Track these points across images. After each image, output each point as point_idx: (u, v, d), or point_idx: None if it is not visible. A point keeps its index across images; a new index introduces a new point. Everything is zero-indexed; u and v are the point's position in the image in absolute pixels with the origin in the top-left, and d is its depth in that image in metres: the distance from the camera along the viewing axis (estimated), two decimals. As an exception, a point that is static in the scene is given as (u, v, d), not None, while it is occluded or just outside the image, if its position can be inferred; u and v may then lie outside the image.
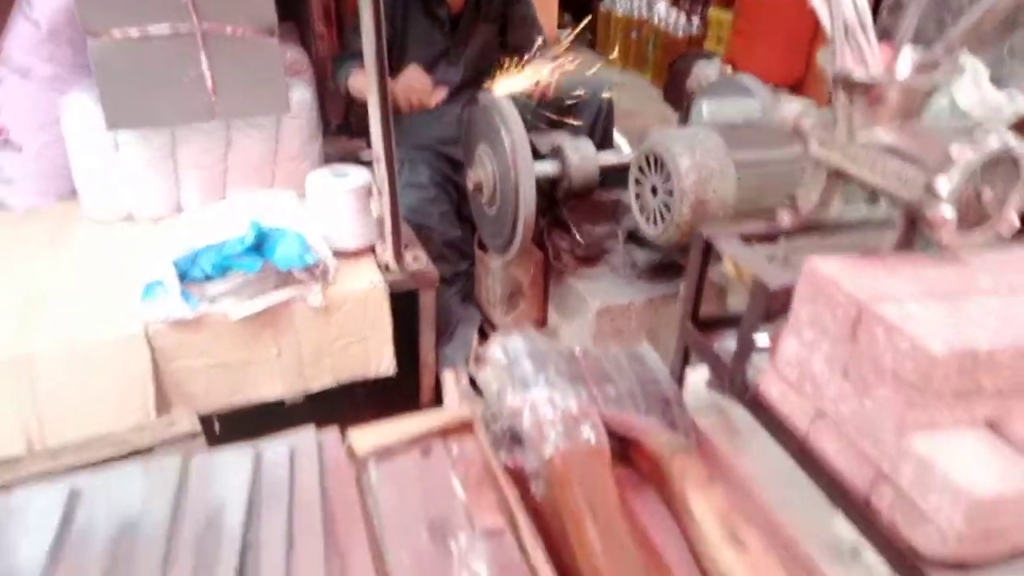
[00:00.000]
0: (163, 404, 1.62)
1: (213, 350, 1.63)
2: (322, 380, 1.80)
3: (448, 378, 2.00)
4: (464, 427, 0.82)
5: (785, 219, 0.80)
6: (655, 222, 1.52)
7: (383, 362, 1.83)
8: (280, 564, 0.64)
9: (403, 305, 1.79)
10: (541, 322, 2.08)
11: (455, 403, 1.97)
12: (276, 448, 0.76)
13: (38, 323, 1.49)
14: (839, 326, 0.64)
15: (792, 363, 0.70)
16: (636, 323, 1.85)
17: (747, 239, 0.78)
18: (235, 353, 1.66)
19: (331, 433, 0.80)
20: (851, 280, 0.64)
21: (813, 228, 0.82)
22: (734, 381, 0.74)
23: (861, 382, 0.63)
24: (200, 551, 0.64)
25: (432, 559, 0.67)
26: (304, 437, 0.78)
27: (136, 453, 1.31)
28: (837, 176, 0.79)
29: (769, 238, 0.81)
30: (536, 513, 0.71)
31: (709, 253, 0.79)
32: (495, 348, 0.82)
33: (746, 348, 0.72)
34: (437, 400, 2.05)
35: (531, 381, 0.76)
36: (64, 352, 1.47)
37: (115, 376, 1.54)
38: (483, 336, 2.12)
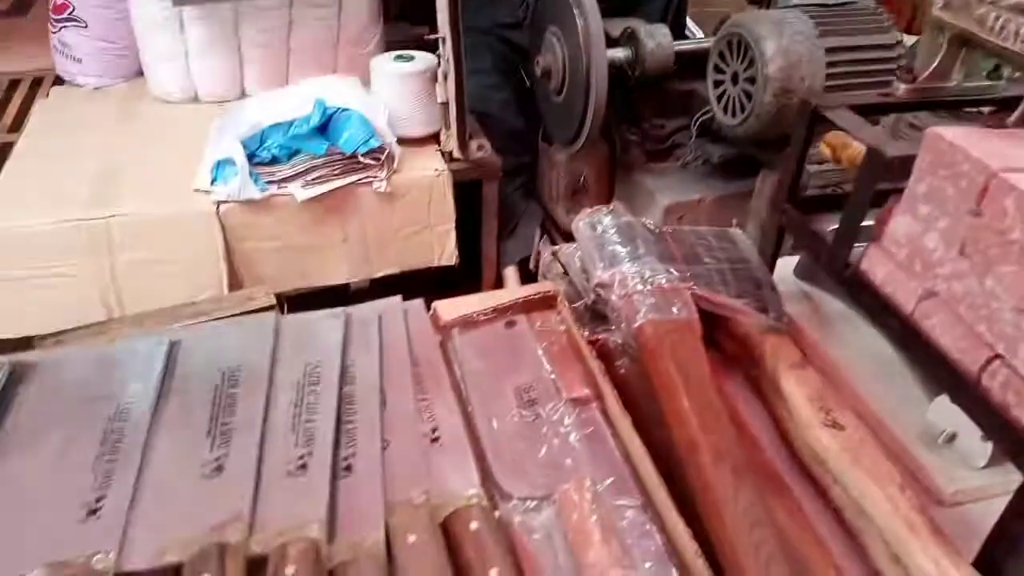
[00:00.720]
0: (235, 285, 1.66)
1: (281, 233, 1.65)
2: (387, 267, 1.82)
3: (509, 274, 2.00)
4: (547, 301, 0.81)
5: (900, 89, 0.75)
6: (734, 113, 1.45)
7: (446, 252, 1.84)
8: (375, 419, 0.65)
9: (466, 196, 1.78)
10: (603, 219, 2.05)
11: (515, 297, 1.97)
12: (366, 312, 0.77)
13: (113, 197, 1.52)
14: (962, 198, 0.60)
15: (902, 241, 0.66)
16: (705, 221, 1.80)
17: (856, 110, 0.73)
18: (303, 237, 1.68)
19: (416, 303, 0.80)
20: (979, 148, 0.59)
21: (928, 102, 0.77)
22: (835, 261, 0.71)
23: (981, 259, 0.59)
24: (300, 398, 0.66)
25: (521, 424, 0.68)
26: (391, 304, 0.79)
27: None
28: (959, 42, 0.73)
29: (880, 110, 0.76)
30: (621, 389, 0.71)
31: (814, 125, 0.75)
32: (582, 222, 0.80)
33: (852, 226, 0.69)
34: (497, 293, 2.06)
35: (620, 256, 0.74)
36: (139, 226, 1.50)
37: (188, 253, 1.57)
38: (545, 233, 2.10)
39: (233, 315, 1.42)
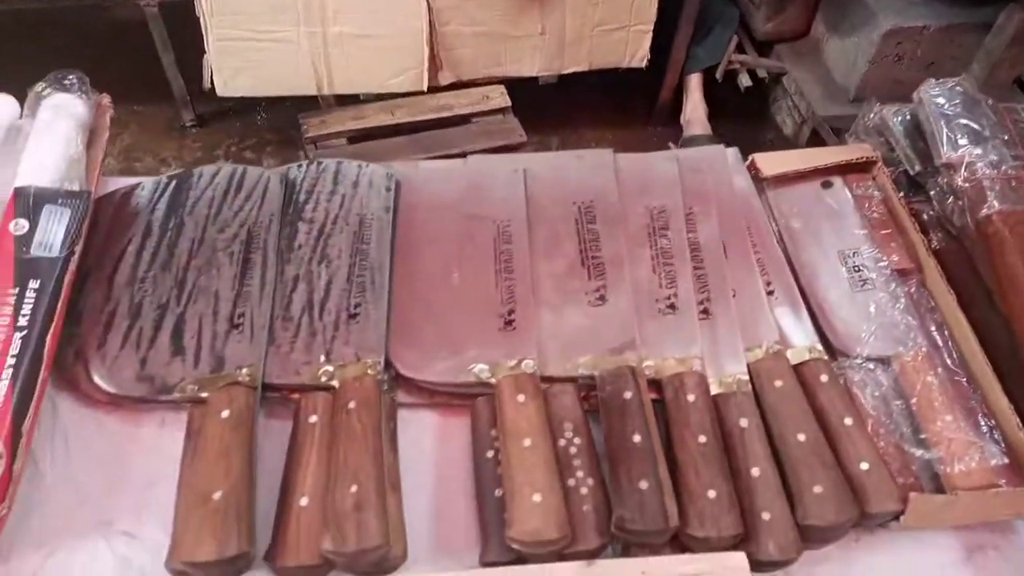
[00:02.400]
0: (434, 67, 1.68)
1: (484, 19, 1.65)
2: (577, 64, 1.82)
3: (692, 80, 1.96)
4: (865, 166, 0.83)
5: None
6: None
7: (638, 53, 1.81)
8: (721, 266, 0.72)
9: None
10: (802, 33, 1.94)
11: (696, 108, 1.95)
12: (693, 157, 0.81)
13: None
14: None
15: None
16: (923, 52, 1.70)
17: None
18: (503, 25, 1.68)
19: (733, 151, 0.84)
20: None
21: None
22: None
23: None
24: (654, 241, 0.73)
25: (849, 287, 0.74)
26: (716, 152, 0.83)
27: (455, 120, 1.41)
28: None
29: None
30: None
31: None
32: (929, 92, 0.79)
33: None
34: (675, 101, 2.03)
35: (968, 137, 0.75)
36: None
37: (395, 31, 1.59)
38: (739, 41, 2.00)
39: (475, 112, 1.47)
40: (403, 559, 0.57)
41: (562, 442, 0.61)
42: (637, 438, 0.59)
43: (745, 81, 1.96)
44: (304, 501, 0.57)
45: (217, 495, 0.54)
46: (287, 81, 1.66)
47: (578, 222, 0.76)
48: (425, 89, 1.68)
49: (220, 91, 1.65)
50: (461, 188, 0.78)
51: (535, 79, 1.85)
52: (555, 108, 1.97)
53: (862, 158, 0.83)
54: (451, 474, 0.64)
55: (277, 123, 2.01)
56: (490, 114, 1.47)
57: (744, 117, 2.13)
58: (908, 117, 0.83)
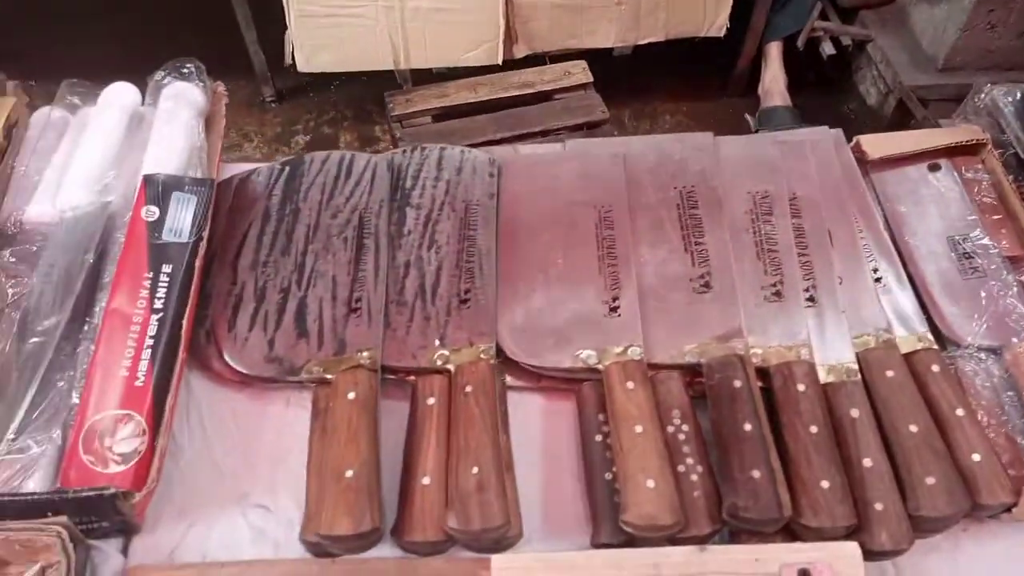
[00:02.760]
0: (509, 41, 1.68)
1: (560, -10, 1.62)
2: (653, 34, 1.79)
3: (772, 48, 1.90)
4: (973, 148, 0.81)
5: None
6: None
7: (717, 22, 1.78)
8: (827, 252, 0.72)
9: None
10: (887, -1, 1.86)
11: (776, 78, 1.89)
12: (797, 138, 0.80)
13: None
14: None
15: None
16: (1016, 19, 1.62)
17: None
18: (580, -4, 1.64)
19: (837, 133, 0.82)
20: None
21: None
22: None
23: None
24: (758, 227, 0.73)
25: (960, 275, 0.73)
26: (820, 134, 0.81)
27: (536, 96, 1.41)
28: None
29: None
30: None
31: None
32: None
33: None
34: (751, 71, 1.98)
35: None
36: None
37: (471, 5, 1.58)
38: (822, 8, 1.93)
39: (557, 89, 1.47)
40: (519, 537, 0.59)
41: (670, 429, 0.63)
42: (748, 427, 0.60)
43: (828, 49, 1.90)
44: (426, 480, 0.59)
45: (349, 473, 0.57)
46: (366, 56, 1.68)
47: (679, 207, 0.76)
48: (500, 62, 1.68)
49: (301, 67, 1.68)
50: (562, 174, 0.79)
51: (609, 51, 1.83)
52: (627, 80, 1.95)
53: (971, 140, 0.80)
54: (558, 456, 0.66)
55: (352, 98, 2.03)
56: (572, 90, 1.47)
57: (824, 87, 2.06)
58: (1019, 97, 0.80)
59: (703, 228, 0.74)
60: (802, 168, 0.78)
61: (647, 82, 2.01)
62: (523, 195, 0.78)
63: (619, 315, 0.69)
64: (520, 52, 1.71)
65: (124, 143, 0.75)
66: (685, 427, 0.63)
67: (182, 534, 0.61)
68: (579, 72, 1.46)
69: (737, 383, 0.63)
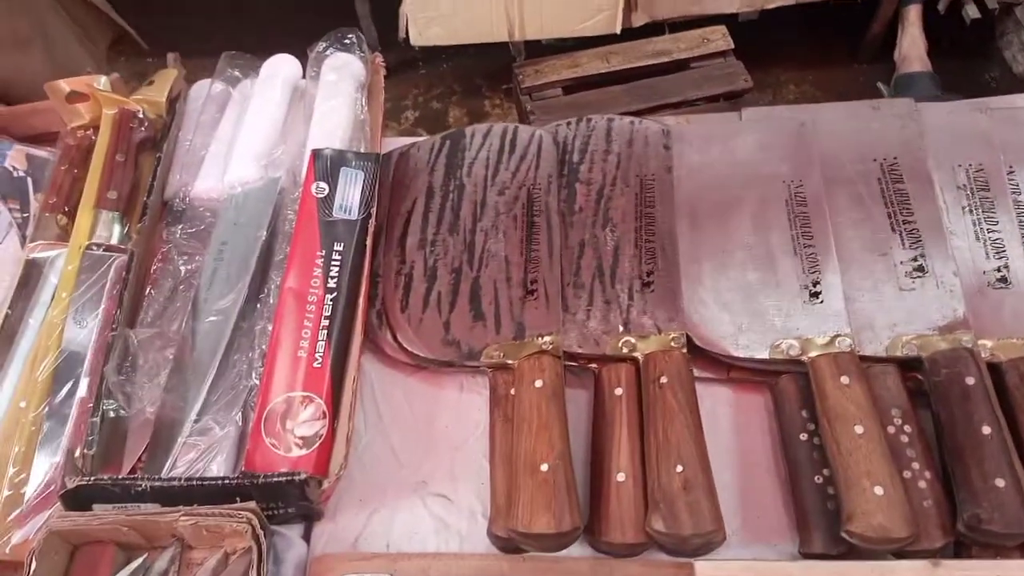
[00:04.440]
0: (628, 7, 1.60)
1: (682, -48, 1.53)
2: (785, -2, 1.66)
3: (911, 11, 1.76)
4: None
5: None
6: None
7: (854, -17, 1.63)
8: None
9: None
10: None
11: (915, 43, 1.76)
12: (1006, 106, 0.72)
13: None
14: None
15: None
16: None
17: None
18: (705, -36, 1.55)
19: None
20: None
21: None
22: None
23: None
24: (971, 203, 0.66)
25: None
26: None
27: (672, 65, 1.34)
28: None
29: None
30: None
31: None
32: None
33: None
34: (885, 36, 1.85)
35: None
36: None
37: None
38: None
39: (694, 57, 1.39)
40: (722, 541, 0.54)
41: (891, 429, 0.56)
42: (987, 430, 0.53)
43: (972, 13, 1.74)
44: (621, 477, 0.55)
45: (544, 467, 0.53)
46: (479, 28, 1.64)
47: (881, 182, 0.68)
48: (618, 31, 1.60)
49: (414, 41, 1.65)
50: (741, 145, 0.72)
51: (733, 16, 1.73)
52: (750, 47, 1.84)
53: None
54: (752, 454, 0.61)
55: (461, 73, 2.00)
56: (710, 57, 1.38)
57: (961, 54, 1.90)
58: None
59: (911, 204, 0.66)
60: (1018, 139, 0.70)
61: (770, 50, 1.89)
62: (700, 168, 0.72)
63: (821, 301, 0.62)
64: (639, 20, 1.63)
65: (288, 117, 0.73)
66: (907, 428, 0.57)
67: (364, 522, 0.58)
68: (718, 38, 1.37)
69: (970, 380, 0.56)
